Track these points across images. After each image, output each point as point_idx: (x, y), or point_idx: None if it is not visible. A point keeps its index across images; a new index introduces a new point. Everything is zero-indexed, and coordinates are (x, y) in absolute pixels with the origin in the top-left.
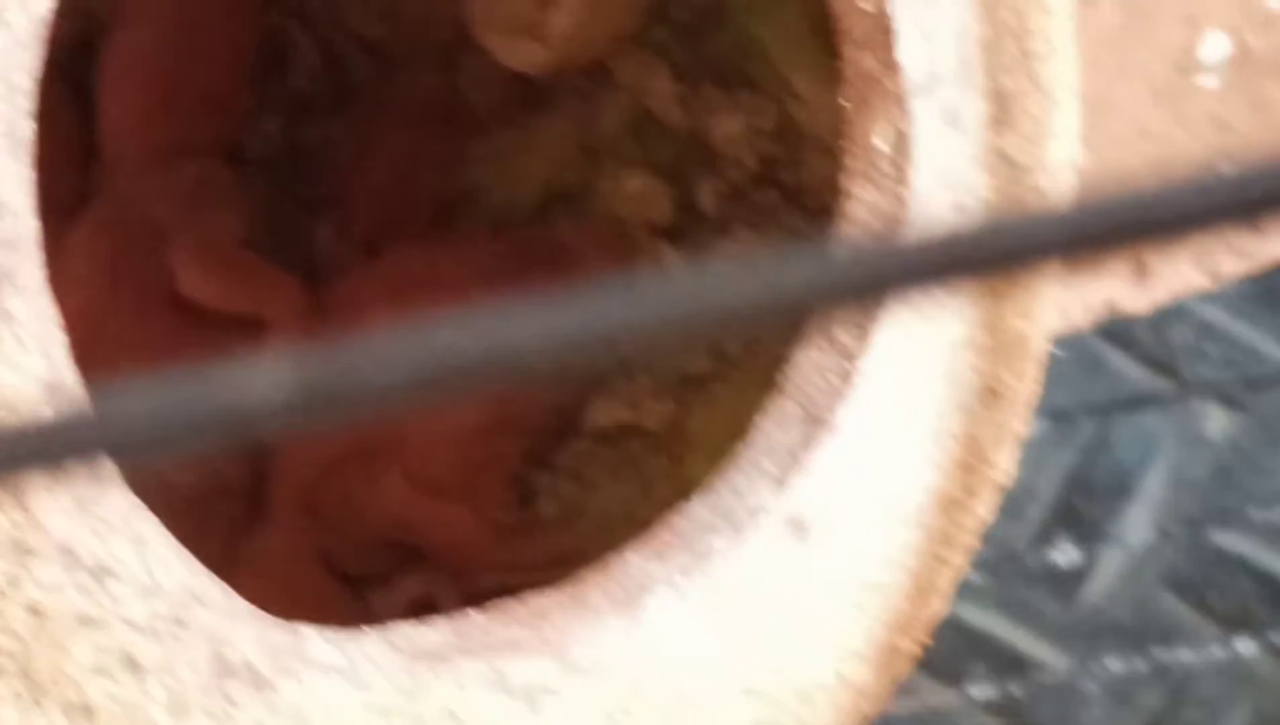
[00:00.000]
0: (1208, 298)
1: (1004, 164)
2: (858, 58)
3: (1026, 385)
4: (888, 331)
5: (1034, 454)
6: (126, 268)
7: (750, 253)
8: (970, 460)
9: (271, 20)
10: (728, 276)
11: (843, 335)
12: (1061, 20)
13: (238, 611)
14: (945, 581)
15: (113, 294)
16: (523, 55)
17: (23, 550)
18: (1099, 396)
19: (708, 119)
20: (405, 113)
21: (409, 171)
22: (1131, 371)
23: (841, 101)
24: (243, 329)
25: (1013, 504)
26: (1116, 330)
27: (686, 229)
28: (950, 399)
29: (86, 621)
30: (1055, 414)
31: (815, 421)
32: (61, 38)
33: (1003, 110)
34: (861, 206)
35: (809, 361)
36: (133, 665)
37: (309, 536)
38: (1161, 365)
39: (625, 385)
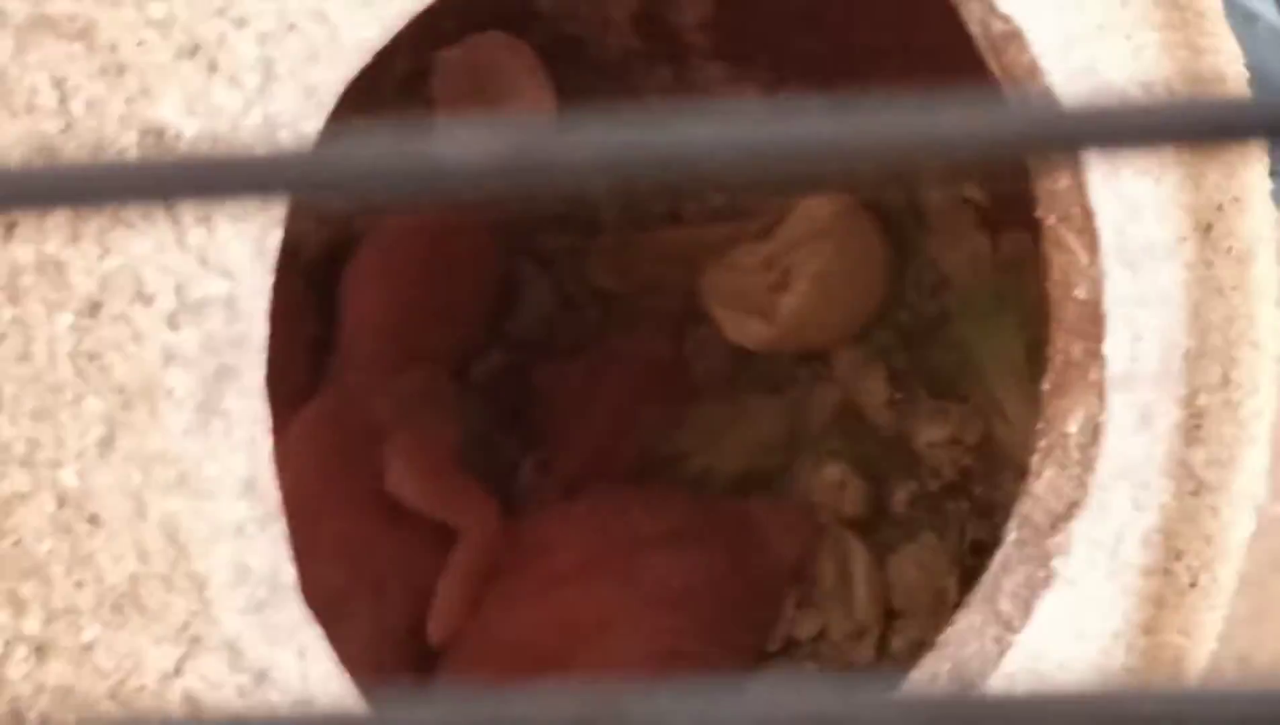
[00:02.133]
0: None
1: (1188, 476)
2: (1066, 344)
3: None
4: (1050, 607)
5: None
6: (340, 457)
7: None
8: None
9: (514, 262)
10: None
11: (1005, 605)
12: (1269, 363)
13: None
14: None
15: (323, 479)
16: (748, 331)
17: (193, 638)
18: None
19: (914, 424)
20: (629, 368)
21: (622, 424)
22: None
23: (1044, 385)
24: (437, 536)
25: None
26: None
27: (875, 524)
28: None
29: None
30: None
31: (963, 684)
32: (313, 243)
33: (1195, 424)
34: (1044, 485)
35: (968, 623)
36: None
37: None
38: None
39: None
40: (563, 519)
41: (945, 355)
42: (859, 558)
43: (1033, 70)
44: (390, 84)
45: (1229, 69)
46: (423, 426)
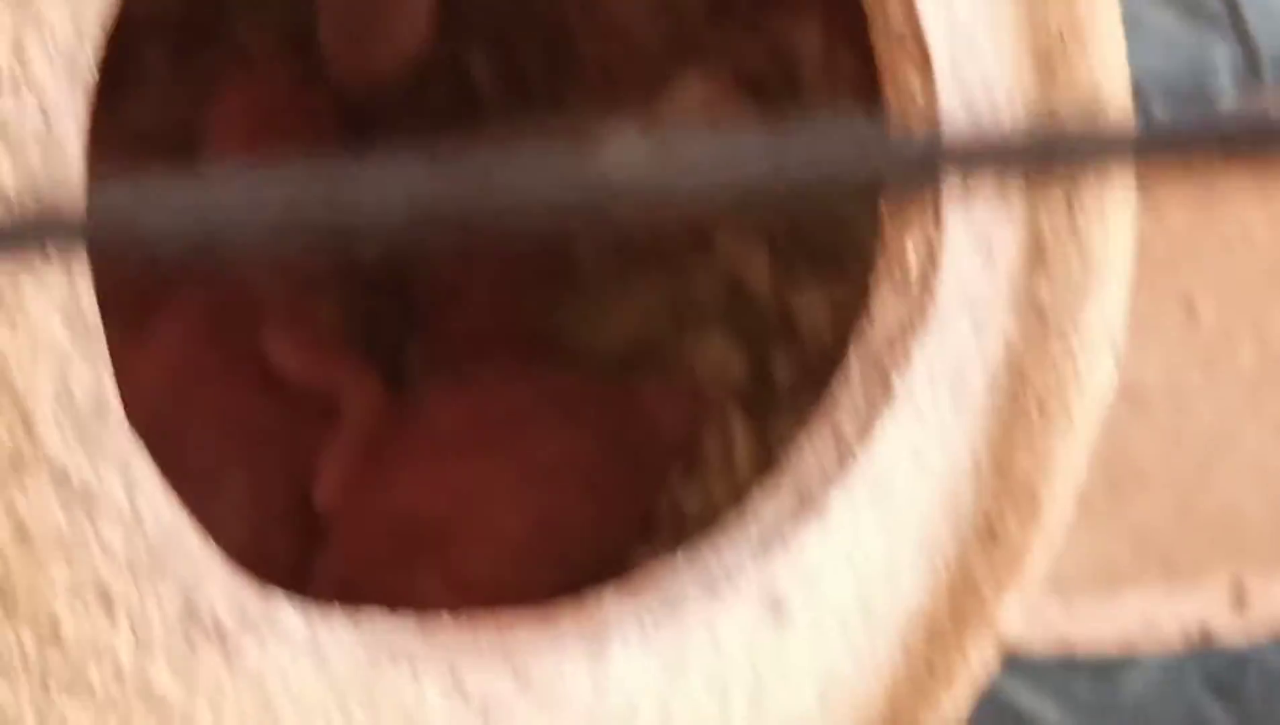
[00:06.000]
0: None
1: (1031, 304)
2: None
3: (1029, 541)
4: (892, 434)
5: None
6: (219, 332)
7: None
8: (960, 589)
9: None
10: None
11: (847, 427)
12: (1121, 196)
13: (213, 564)
14: (926, 717)
15: (201, 354)
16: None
17: (18, 464)
18: None
19: (795, 295)
20: (503, 252)
21: (504, 306)
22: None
23: (882, 210)
24: (320, 411)
25: None
26: (1218, 684)
27: (758, 395)
28: (946, 522)
29: (67, 546)
30: None
31: (806, 504)
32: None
33: (1038, 254)
34: (882, 308)
35: (810, 446)
36: (105, 599)
37: None
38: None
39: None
40: (447, 395)
41: (824, 226)
42: (740, 428)
43: None
44: None
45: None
46: (305, 304)
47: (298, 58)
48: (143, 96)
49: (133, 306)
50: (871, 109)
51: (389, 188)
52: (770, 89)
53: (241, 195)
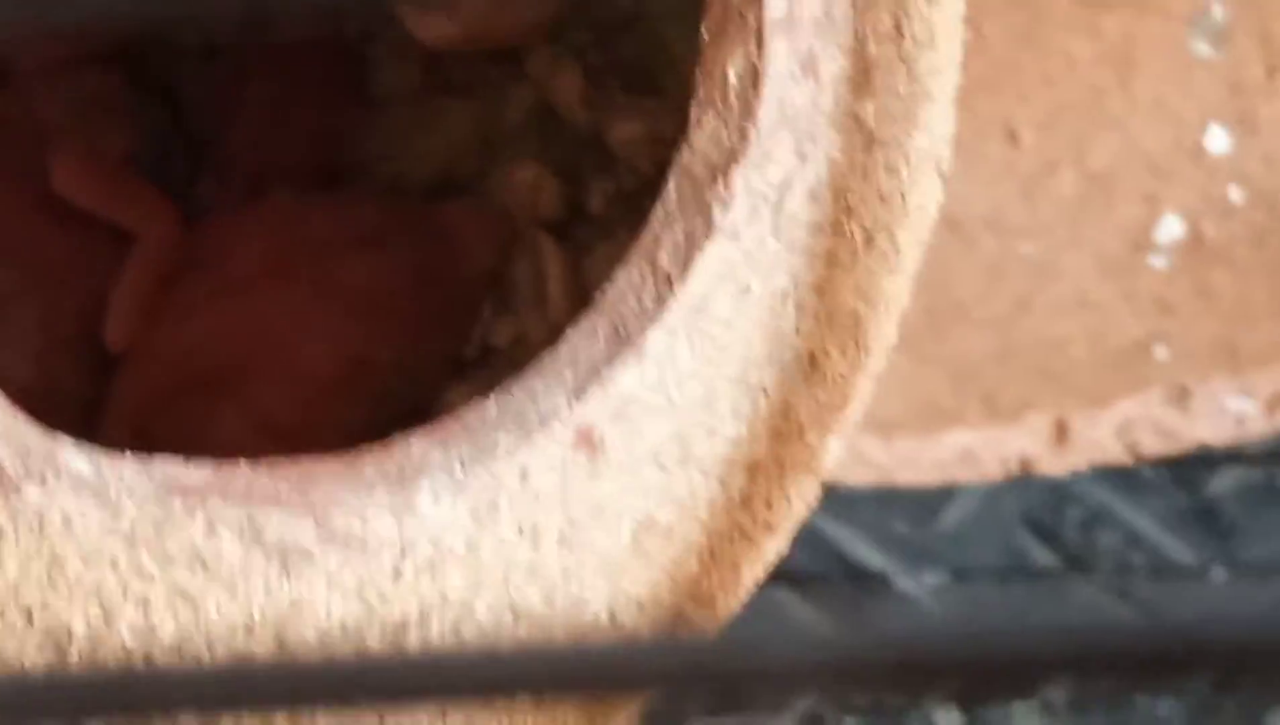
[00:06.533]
0: (1135, 502)
1: (857, 127)
2: None
3: (853, 375)
4: (712, 266)
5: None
6: (3, 160)
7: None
8: (782, 427)
9: None
10: None
11: (664, 259)
12: (949, 18)
13: None
14: (746, 560)
15: None
16: (433, 29)
17: None
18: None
19: (610, 121)
20: (295, 68)
21: (292, 126)
22: (1044, 558)
23: (702, 31)
24: (112, 240)
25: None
26: (1036, 519)
27: (572, 225)
28: (769, 357)
29: None
30: (957, 573)
31: (622, 340)
32: None
33: (864, 75)
34: (703, 135)
35: (626, 280)
36: None
37: None
38: (1078, 562)
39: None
40: (244, 224)
41: (641, 49)
42: (553, 259)
43: None
44: None
45: None
46: (95, 128)
47: None
48: None
49: None
50: None
51: None
52: None
53: None
